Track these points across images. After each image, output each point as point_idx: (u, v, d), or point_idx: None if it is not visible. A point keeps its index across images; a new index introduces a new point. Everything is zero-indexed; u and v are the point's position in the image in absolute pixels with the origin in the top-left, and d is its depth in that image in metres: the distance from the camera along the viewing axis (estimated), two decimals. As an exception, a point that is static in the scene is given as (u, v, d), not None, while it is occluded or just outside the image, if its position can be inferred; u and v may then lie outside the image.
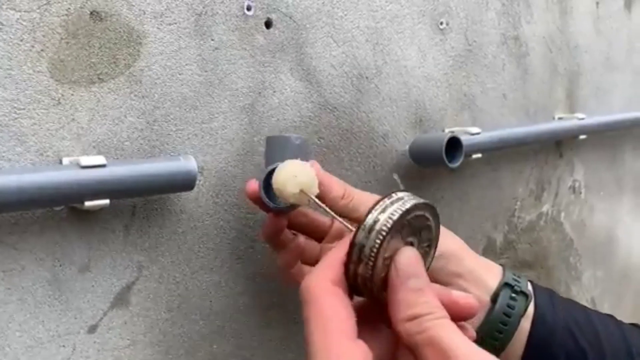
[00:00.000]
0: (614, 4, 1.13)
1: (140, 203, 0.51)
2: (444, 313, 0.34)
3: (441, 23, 0.77)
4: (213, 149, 0.55)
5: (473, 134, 0.74)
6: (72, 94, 0.46)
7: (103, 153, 0.48)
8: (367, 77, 0.68)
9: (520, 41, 0.91)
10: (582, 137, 0.98)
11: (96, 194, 0.44)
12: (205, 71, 0.54)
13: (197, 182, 0.52)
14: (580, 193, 1.08)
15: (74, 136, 0.47)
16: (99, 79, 0.48)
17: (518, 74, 0.91)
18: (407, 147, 0.73)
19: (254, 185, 0.49)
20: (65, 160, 0.46)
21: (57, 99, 0.46)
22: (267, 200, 0.48)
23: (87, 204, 0.44)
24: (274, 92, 0.60)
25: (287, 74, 0.61)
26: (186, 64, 0.53)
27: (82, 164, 0.43)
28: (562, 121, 0.94)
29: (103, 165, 0.44)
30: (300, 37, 0.61)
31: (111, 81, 0.48)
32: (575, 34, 1.02)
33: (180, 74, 0.53)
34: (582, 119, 0.96)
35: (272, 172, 0.47)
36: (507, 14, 0.88)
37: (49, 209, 0.45)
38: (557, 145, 1.00)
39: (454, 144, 0.67)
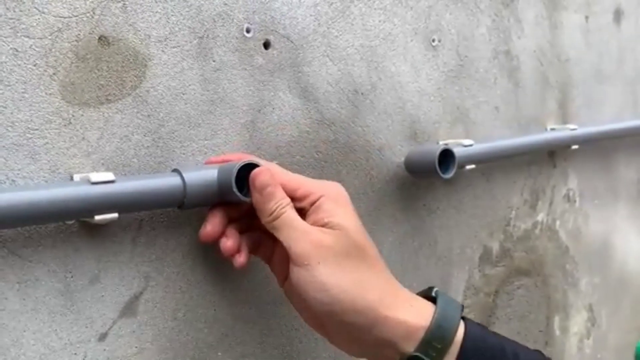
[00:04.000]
0: (604, 17, 1.17)
1: (147, 217, 0.53)
2: (288, 201, 0.51)
3: (433, 40, 0.80)
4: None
5: (466, 146, 0.77)
6: (82, 115, 0.49)
7: (112, 169, 0.51)
8: (362, 93, 0.71)
9: (512, 55, 0.94)
10: (575, 147, 1.00)
11: (106, 209, 0.46)
12: (207, 90, 0.57)
13: (201, 196, 0.55)
14: (575, 201, 1.11)
15: (84, 154, 0.49)
16: (107, 99, 0.51)
17: (510, 87, 0.94)
18: (402, 159, 0.75)
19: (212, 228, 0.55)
20: (76, 177, 0.49)
21: (68, 119, 0.48)
22: (239, 194, 0.52)
23: (97, 218, 0.46)
24: (273, 109, 0.63)
25: (285, 91, 0.63)
26: (189, 84, 0.56)
27: (92, 180, 0.46)
28: (554, 132, 0.97)
29: (112, 181, 0.47)
30: (298, 56, 0.64)
31: (119, 102, 0.51)
32: (565, 47, 1.05)
33: (183, 94, 0.55)
34: (574, 129, 0.99)
35: (246, 166, 0.51)
36: (497, 30, 0.91)
37: (61, 223, 0.48)
38: (551, 156, 1.03)
39: (447, 155, 0.70)
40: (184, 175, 0.51)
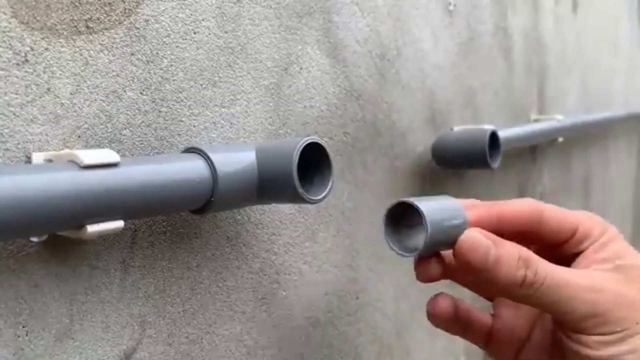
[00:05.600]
0: (565, 5, 1.10)
1: (143, 226, 0.33)
2: (526, 251, 0.31)
3: (450, 3, 0.66)
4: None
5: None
6: (47, 48, 0.28)
7: (91, 145, 0.30)
8: (388, 59, 0.55)
9: (508, 33, 0.82)
10: (560, 139, 0.91)
11: (105, 212, 0.26)
12: (226, 32, 0.38)
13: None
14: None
15: (49, 118, 0.28)
16: (87, 27, 0.30)
17: (505, 70, 0.82)
18: (422, 147, 0.60)
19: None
20: (36, 157, 0.27)
21: (22, 53, 0.27)
22: (305, 194, 0.33)
23: (91, 229, 0.26)
24: (301, 69, 0.44)
25: (313, 46, 0.45)
26: (203, 19, 0.36)
27: (84, 163, 0.25)
28: (561, 121, 0.87)
29: (115, 165, 0.26)
30: (328, 0, 0.47)
31: (104, 33, 0.31)
32: (543, 32, 0.96)
33: (195, 32, 0.36)
34: (560, 120, 0.90)
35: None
36: (498, 4, 0.79)
37: (9, 242, 0.27)
38: (532, 151, 0.93)
39: (493, 140, 0.56)
40: (213, 159, 0.32)
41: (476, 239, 0.30)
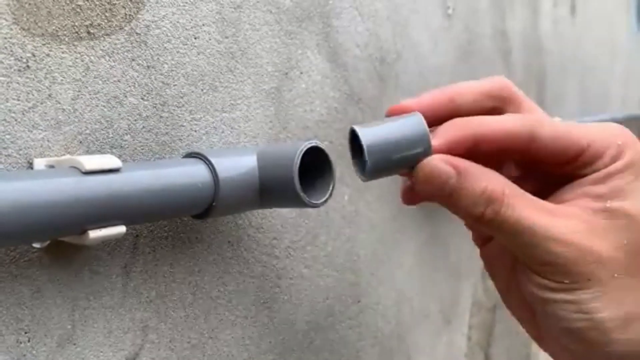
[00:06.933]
0: (563, 8, 1.10)
1: (145, 231, 0.33)
2: (501, 184, 0.29)
3: (448, 7, 0.66)
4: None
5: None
6: (48, 54, 0.28)
7: (92, 151, 0.30)
8: (388, 63, 0.55)
9: (506, 36, 0.82)
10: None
11: (107, 217, 0.26)
12: (226, 37, 0.38)
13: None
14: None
15: (50, 124, 0.28)
16: (88, 33, 0.30)
17: (503, 72, 0.82)
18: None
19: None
20: (38, 163, 0.27)
21: (24, 59, 0.27)
22: (306, 199, 0.33)
23: (93, 234, 0.26)
24: (301, 73, 0.44)
25: (313, 50, 0.45)
26: (203, 24, 0.36)
27: (85, 168, 0.25)
28: None
29: (117, 170, 0.26)
30: (327, 4, 0.47)
31: (105, 39, 0.31)
32: (541, 35, 0.97)
33: (195, 37, 0.36)
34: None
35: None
36: (496, 7, 0.79)
37: (11, 248, 0.27)
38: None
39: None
40: (214, 163, 0.32)
41: (434, 169, 0.28)
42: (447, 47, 0.66)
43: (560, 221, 0.28)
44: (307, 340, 0.45)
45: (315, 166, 0.34)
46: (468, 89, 0.32)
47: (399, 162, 0.29)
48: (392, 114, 0.31)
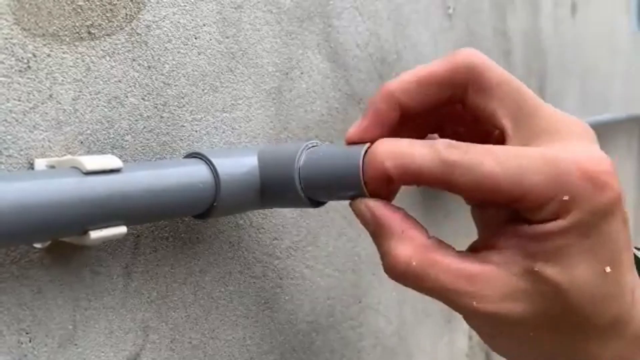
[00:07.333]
0: (564, 8, 1.10)
1: (146, 231, 0.33)
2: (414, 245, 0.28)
3: (449, 7, 0.66)
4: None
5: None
6: (49, 55, 0.28)
7: (93, 151, 0.30)
8: (389, 63, 0.55)
9: (507, 36, 0.82)
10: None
11: (108, 218, 0.26)
12: (227, 37, 0.38)
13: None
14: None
15: (51, 124, 0.28)
16: (88, 33, 0.30)
17: (504, 72, 0.82)
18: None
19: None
20: (39, 163, 0.27)
21: (25, 60, 0.27)
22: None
23: (94, 235, 0.26)
24: (302, 73, 0.44)
25: (314, 50, 0.45)
26: (204, 24, 0.36)
27: (86, 169, 0.25)
28: None
29: (118, 170, 0.26)
30: (328, 4, 0.47)
31: (106, 39, 0.31)
32: (542, 35, 0.97)
33: (196, 37, 0.36)
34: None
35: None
36: (497, 7, 0.79)
37: (12, 248, 0.27)
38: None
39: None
40: (215, 164, 0.32)
41: (357, 212, 0.29)
42: (448, 47, 0.66)
43: (477, 288, 0.26)
44: (308, 341, 0.45)
45: (316, 166, 0.34)
46: (417, 84, 0.29)
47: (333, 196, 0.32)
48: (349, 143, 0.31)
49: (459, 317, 0.30)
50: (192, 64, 0.35)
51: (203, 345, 0.36)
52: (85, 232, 0.26)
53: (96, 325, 0.30)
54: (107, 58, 0.31)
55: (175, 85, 0.34)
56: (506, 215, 0.27)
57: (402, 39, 0.57)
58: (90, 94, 0.30)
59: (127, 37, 0.32)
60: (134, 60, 0.32)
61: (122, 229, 0.27)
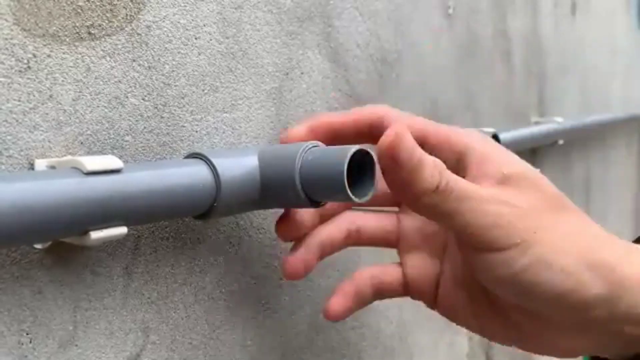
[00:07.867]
0: (564, 8, 1.10)
1: (146, 232, 0.33)
2: (441, 163, 0.31)
3: (449, 7, 0.66)
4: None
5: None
6: (49, 55, 0.28)
7: (93, 152, 0.30)
8: (389, 63, 0.55)
9: (507, 36, 0.82)
10: (561, 142, 0.91)
11: (109, 218, 0.26)
12: (227, 37, 0.38)
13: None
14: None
15: (51, 124, 0.28)
16: (89, 33, 0.30)
17: (504, 73, 0.82)
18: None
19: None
20: (39, 164, 0.27)
21: (25, 60, 0.27)
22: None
23: (94, 235, 0.26)
24: (302, 73, 0.44)
25: (314, 50, 0.45)
26: (204, 24, 0.36)
27: (87, 169, 0.25)
28: (565, 122, 0.87)
29: (118, 171, 0.26)
30: (329, 3, 0.47)
31: (106, 39, 0.31)
32: (542, 35, 0.97)
33: (196, 38, 0.36)
34: (561, 122, 0.90)
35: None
36: (497, 7, 0.79)
37: (13, 249, 0.27)
38: (532, 154, 0.93)
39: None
40: (215, 164, 0.32)
41: (405, 135, 0.28)
42: (448, 47, 0.66)
43: (486, 189, 0.31)
44: (309, 341, 0.45)
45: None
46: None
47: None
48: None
49: (459, 318, 0.30)
50: (192, 64, 0.35)
51: (203, 346, 0.36)
52: (85, 233, 0.25)
53: (97, 325, 0.30)
54: (108, 58, 0.31)
55: (175, 86, 0.34)
56: None
57: (402, 39, 0.57)
58: (91, 95, 0.30)
59: (127, 37, 0.32)
60: (134, 60, 0.32)
61: (122, 230, 0.27)
